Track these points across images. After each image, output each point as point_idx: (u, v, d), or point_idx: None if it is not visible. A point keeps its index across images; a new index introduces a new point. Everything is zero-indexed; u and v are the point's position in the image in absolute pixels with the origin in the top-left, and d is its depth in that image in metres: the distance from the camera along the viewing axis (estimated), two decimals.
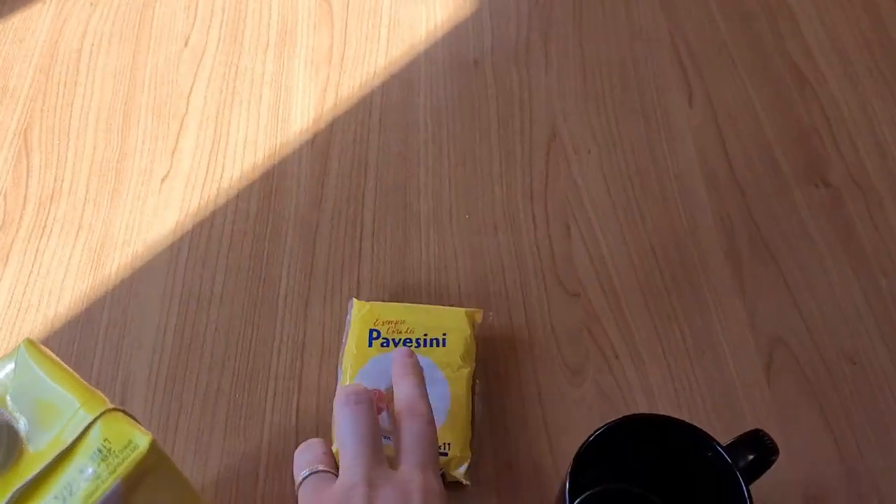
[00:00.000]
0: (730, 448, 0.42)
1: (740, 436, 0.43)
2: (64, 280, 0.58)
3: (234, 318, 0.56)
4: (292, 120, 0.65)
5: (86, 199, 0.61)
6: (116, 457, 0.28)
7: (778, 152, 0.65)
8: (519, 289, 0.58)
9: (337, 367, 0.54)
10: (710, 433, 0.42)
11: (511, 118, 0.66)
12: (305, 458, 0.42)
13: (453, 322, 0.53)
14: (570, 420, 0.52)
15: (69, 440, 0.28)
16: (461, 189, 0.63)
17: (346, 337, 0.53)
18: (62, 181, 0.62)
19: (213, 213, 0.61)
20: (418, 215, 0.61)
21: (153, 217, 0.60)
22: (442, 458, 0.48)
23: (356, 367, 0.51)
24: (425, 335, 0.52)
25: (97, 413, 0.29)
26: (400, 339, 0.52)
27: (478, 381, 0.53)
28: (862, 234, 0.61)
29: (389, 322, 0.52)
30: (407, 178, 0.63)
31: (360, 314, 0.53)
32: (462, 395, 0.50)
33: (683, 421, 0.43)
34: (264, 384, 0.54)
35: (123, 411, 0.29)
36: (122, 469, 0.28)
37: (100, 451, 0.28)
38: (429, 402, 0.43)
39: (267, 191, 0.62)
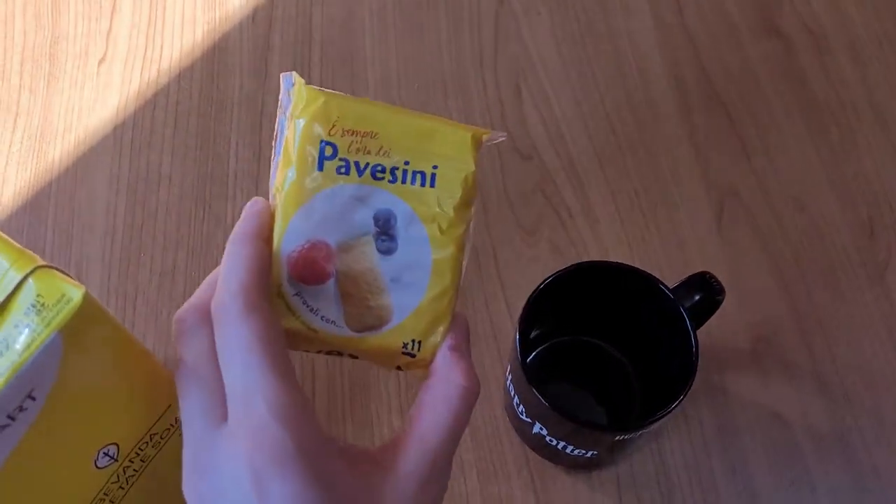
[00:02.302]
0: (677, 289, 0.43)
1: (687, 277, 0.44)
2: (6, 169, 0.56)
3: (184, 198, 0.56)
4: None
5: (20, 86, 0.59)
6: (50, 310, 0.28)
7: (731, 3, 0.64)
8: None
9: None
10: (666, 283, 0.43)
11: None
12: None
13: (450, 146, 0.31)
14: (524, 278, 0.53)
15: (0, 298, 0.28)
16: (409, 58, 0.61)
17: (280, 147, 0.32)
18: None
19: (156, 95, 0.59)
20: (366, 86, 0.60)
21: (93, 101, 0.59)
22: (405, 359, 0.31)
23: (294, 203, 0.30)
24: (406, 164, 0.31)
25: (28, 270, 0.28)
26: (367, 165, 0.30)
27: (468, 244, 0.33)
28: (813, 84, 0.61)
29: (353, 133, 0.31)
30: (353, 50, 0.61)
31: (309, 110, 0.30)
32: (448, 270, 0.31)
33: (632, 266, 0.43)
34: (219, 261, 0.54)
35: (55, 268, 0.29)
36: (57, 322, 0.28)
37: (33, 305, 0.28)
38: None
39: (209, 69, 0.60)
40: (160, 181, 0.56)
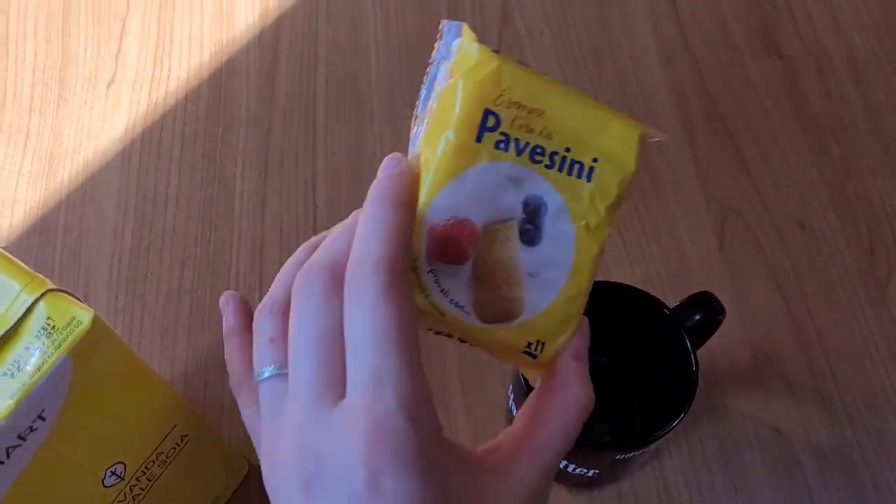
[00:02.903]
0: (677, 309, 0.43)
1: (688, 297, 0.44)
2: (16, 190, 0.57)
3: (191, 219, 0.56)
4: (237, 16, 0.64)
5: (31, 108, 0.60)
6: (60, 333, 0.28)
7: (733, 24, 0.65)
8: None
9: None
10: (666, 302, 0.44)
11: (461, 1, 0.65)
12: (265, 333, 0.27)
13: (616, 141, 0.29)
14: None
15: (13, 321, 0.29)
16: (413, 79, 0.62)
17: (426, 101, 0.29)
18: (5, 90, 0.61)
19: (163, 116, 0.60)
20: (371, 107, 0.61)
21: (102, 122, 0.60)
22: (525, 359, 0.29)
23: (446, 172, 0.27)
24: (567, 150, 0.28)
25: (38, 293, 0.29)
26: (527, 144, 0.28)
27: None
28: (815, 103, 0.61)
29: (520, 107, 0.28)
30: (358, 72, 0.62)
31: (479, 72, 0.27)
32: (587, 272, 0.29)
33: (633, 287, 0.44)
34: (225, 281, 0.54)
35: (65, 291, 0.30)
36: (67, 344, 0.28)
37: (44, 328, 0.29)
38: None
39: (216, 90, 0.61)
40: (167, 202, 0.57)
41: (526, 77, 0.27)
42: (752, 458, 0.49)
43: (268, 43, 0.63)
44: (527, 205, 0.28)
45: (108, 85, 0.61)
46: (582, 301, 0.29)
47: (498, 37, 0.64)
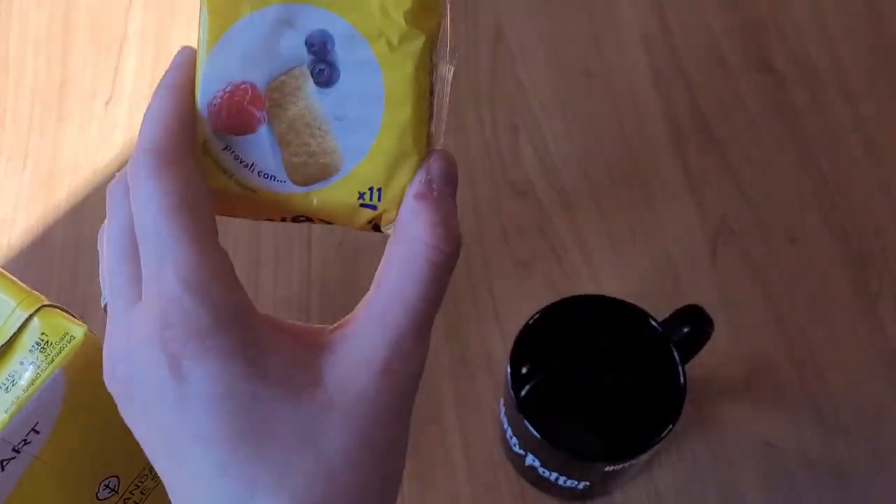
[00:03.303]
0: (666, 322, 0.44)
1: (676, 310, 0.45)
2: (15, 209, 0.58)
3: None
4: None
5: (30, 127, 0.61)
6: (54, 348, 0.29)
7: (724, 41, 0.65)
8: (469, 189, 0.59)
9: None
10: (658, 317, 0.44)
11: (454, 20, 0.66)
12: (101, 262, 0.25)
13: None
14: (520, 311, 0.53)
15: (7, 336, 0.29)
16: None
17: None
18: (5, 110, 0.61)
19: None
20: None
21: (100, 141, 0.60)
22: (367, 213, 0.26)
23: (212, 36, 0.25)
24: None
25: (33, 309, 0.30)
26: None
27: (441, 60, 0.27)
28: (805, 118, 0.62)
29: None
30: None
31: None
32: (408, 96, 0.25)
33: (621, 300, 0.44)
34: None
35: (58, 307, 0.30)
36: (60, 359, 0.29)
37: (38, 343, 0.29)
38: None
39: None
40: None
41: None
42: (745, 472, 0.49)
43: None
44: (310, 44, 0.25)
45: (107, 103, 0.62)
46: (414, 132, 0.25)
47: (492, 54, 0.64)
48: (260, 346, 0.22)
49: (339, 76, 0.25)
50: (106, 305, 0.25)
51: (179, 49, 0.25)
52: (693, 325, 0.44)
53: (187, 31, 0.65)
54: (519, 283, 0.55)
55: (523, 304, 0.54)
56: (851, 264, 0.56)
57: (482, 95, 0.63)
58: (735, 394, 0.52)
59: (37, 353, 0.29)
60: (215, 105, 0.25)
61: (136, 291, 0.23)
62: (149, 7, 0.66)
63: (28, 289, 0.31)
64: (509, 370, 0.42)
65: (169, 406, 0.22)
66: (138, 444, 0.36)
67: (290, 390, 0.22)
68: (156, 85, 0.25)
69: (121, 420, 0.34)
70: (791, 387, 0.52)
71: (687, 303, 0.55)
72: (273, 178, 0.25)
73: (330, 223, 0.26)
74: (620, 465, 0.41)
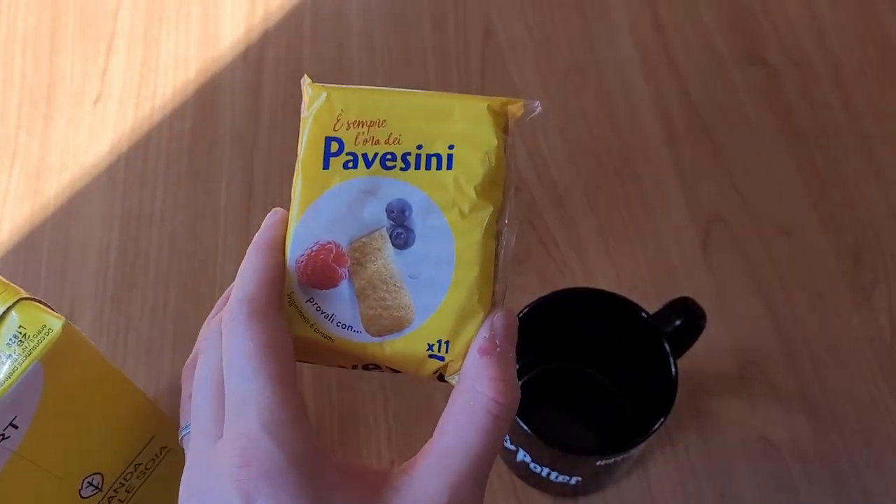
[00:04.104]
0: (657, 315, 0.43)
1: (668, 303, 0.44)
2: (3, 207, 0.57)
3: (175, 235, 0.57)
4: (222, 34, 0.64)
5: (18, 125, 0.60)
6: (31, 341, 0.29)
7: (716, 35, 0.65)
8: None
9: None
10: (650, 310, 0.44)
11: (445, 18, 0.66)
12: (186, 390, 0.29)
13: (467, 123, 0.28)
14: (512, 306, 0.53)
15: None
16: None
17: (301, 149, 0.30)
18: None
19: (149, 133, 0.60)
20: None
21: (89, 140, 0.60)
22: (434, 364, 0.28)
23: (304, 202, 0.29)
24: (419, 148, 0.29)
25: (11, 302, 0.29)
26: (375, 155, 0.28)
27: (505, 228, 0.29)
28: (798, 111, 0.62)
29: (359, 123, 0.29)
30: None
31: (313, 107, 0.29)
32: (476, 259, 0.28)
33: (612, 292, 0.44)
34: (210, 295, 0.54)
35: (37, 300, 0.30)
36: (38, 351, 0.28)
37: (15, 336, 0.29)
38: None
39: (201, 107, 0.61)
40: (152, 217, 0.57)
41: (359, 95, 0.29)
42: (739, 467, 0.49)
43: (253, 60, 0.63)
44: (390, 210, 0.28)
45: (95, 102, 0.61)
46: (480, 291, 0.28)
47: (482, 50, 0.64)
48: (329, 486, 0.24)
49: (414, 240, 0.28)
50: (184, 438, 0.27)
51: (272, 211, 0.28)
52: (685, 317, 0.43)
53: (175, 30, 0.64)
54: (513, 278, 0.55)
55: (516, 298, 0.54)
56: (846, 257, 0.56)
57: (473, 90, 0.62)
58: (729, 388, 0.51)
59: (14, 346, 0.28)
60: (302, 261, 0.28)
61: (219, 430, 0.25)
62: (137, 6, 0.65)
63: (6, 281, 0.30)
64: None
65: None
66: (123, 440, 0.36)
67: None
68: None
69: (103, 415, 0.34)
70: (786, 381, 0.52)
71: (678, 295, 0.54)
72: (350, 328, 0.28)
73: (398, 371, 0.29)
74: (612, 459, 0.40)
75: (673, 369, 0.41)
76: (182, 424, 0.28)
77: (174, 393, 0.51)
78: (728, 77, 0.63)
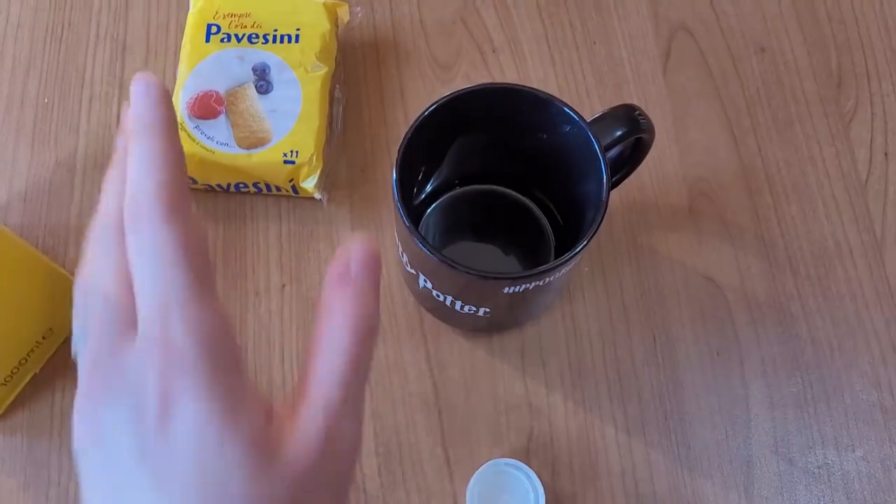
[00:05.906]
0: (594, 122, 0.36)
1: (609, 109, 0.36)
2: None
3: (39, 14, 0.47)
4: None
5: None
6: None
7: None
8: None
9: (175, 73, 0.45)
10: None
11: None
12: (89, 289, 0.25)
13: (310, 16, 0.44)
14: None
15: None
16: None
17: (188, 29, 0.44)
18: None
19: None
20: None
21: None
22: (288, 167, 0.41)
23: (191, 62, 0.43)
24: (275, 31, 0.44)
25: None
26: (244, 34, 0.43)
27: (337, 86, 0.45)
28: None
29: (232, 15, 0.44)
30: None
31: (197, 6, 0.45)
32: (315, 98, 0.43)
33: (542, 91, 0.36)
34: (78, 88, 0.46)
35: None
36: None
37: None
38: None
39: None
40: None
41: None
42: (677, 309, 0.43)
43: None
44: (255, 69, 0.43)
45: None
46: (320, 118, 0.43)
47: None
48: (245, 405, 0.22)
49: (272, 88, 0.43)
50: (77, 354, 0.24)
51: (141, 80, 0.25)
52: (628, 128, 0.36)
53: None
54: (435, 86, 0.47)
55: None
56: (826, 79, 0.48)
57: None
58: (675, 221, 0.45)
59: None
60: (192, 101, 0.42)
61: (126, 332, 0.22)
62: None
63: None
64: (396, 175, 0.34)
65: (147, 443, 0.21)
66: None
67: (258, 459, 0.22)
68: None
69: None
70: (741, 218, 0.45)
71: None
72: (226, 145, 0.42)
73: (263, 191, 0.43)
74: (521, 287, 0.34)
75: (604, 189, 0.34)
76: (74, 341, 0.24)
77: (30, 197, 0.44)
78: None
